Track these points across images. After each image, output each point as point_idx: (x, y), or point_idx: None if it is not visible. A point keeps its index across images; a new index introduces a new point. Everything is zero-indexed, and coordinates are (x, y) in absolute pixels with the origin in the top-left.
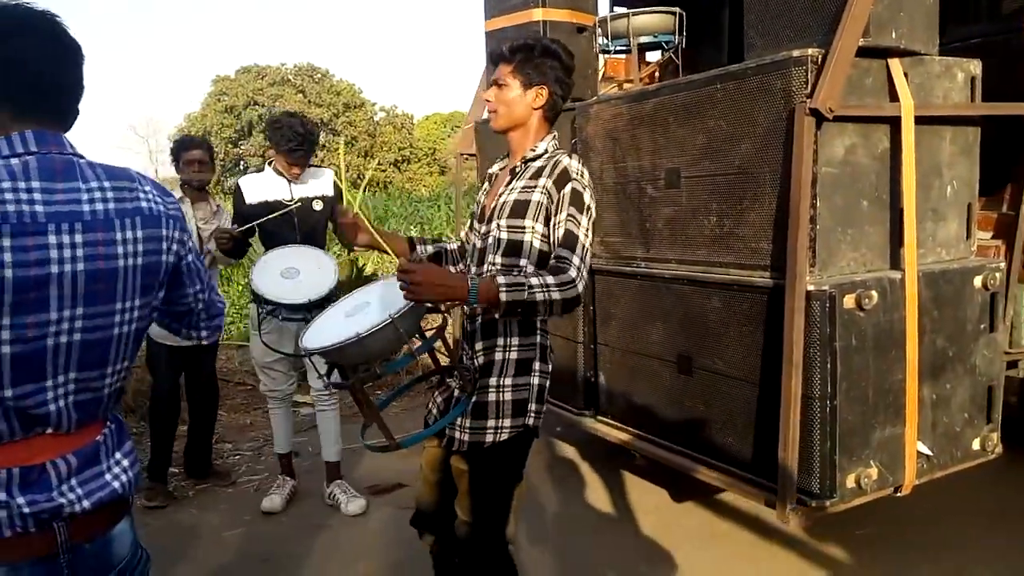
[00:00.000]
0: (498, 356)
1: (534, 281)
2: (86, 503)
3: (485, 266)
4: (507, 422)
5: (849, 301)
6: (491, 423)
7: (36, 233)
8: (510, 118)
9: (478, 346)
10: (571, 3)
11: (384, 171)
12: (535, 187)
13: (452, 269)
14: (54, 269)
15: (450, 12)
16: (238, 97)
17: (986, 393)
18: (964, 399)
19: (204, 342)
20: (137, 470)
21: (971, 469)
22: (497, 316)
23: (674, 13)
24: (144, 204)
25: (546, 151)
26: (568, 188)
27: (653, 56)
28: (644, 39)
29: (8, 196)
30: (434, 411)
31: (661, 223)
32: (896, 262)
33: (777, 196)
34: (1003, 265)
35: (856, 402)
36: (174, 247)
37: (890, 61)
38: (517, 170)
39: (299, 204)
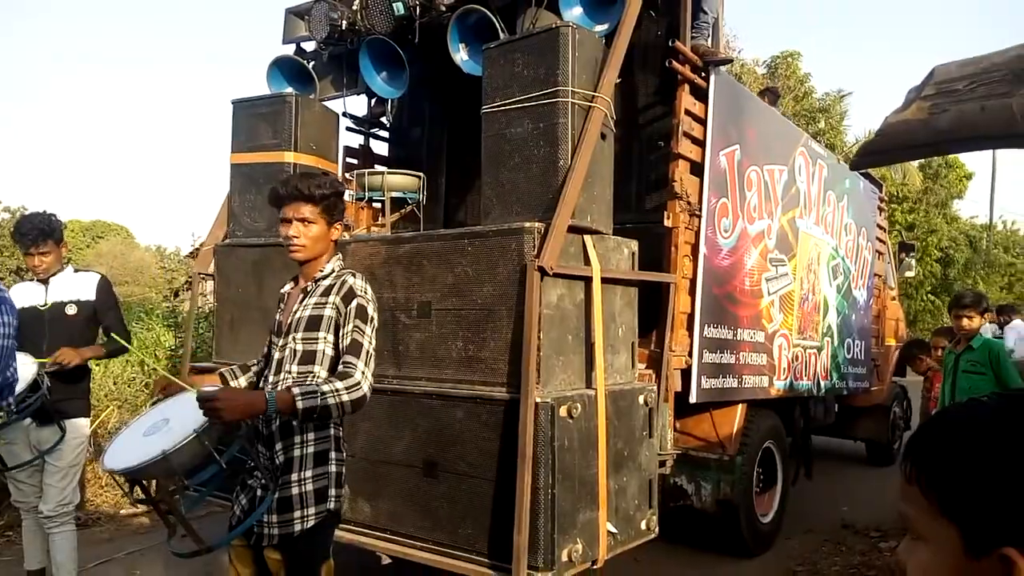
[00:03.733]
0: (296, 452)
1: (325, 388)
2: None
3: (282, 374)
4: (311, 510)
5: (563, 411)
6: (297, 513)
7: None
8: (313, 251)
9: (278, 446)
10: (317, 151)
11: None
12: (326, 303)
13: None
14: None
15: (97, 113)
16: None
17: (648, 485)
18: (635, 489)
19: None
20: None
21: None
22: (294, 422)
23: (419, 176)
24: (5, 293)
25: (332, 270)
26: (354, 303)
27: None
28: (395, 194)
29: None
30: (237, 511)
31: (413, 346)
32: (590, 382)
33: (511, 328)
34: (655, 387)
35: (568, 491)
36: (11, 331)
37: (585, 237)
38: (308, 289)
39: (49, 308)
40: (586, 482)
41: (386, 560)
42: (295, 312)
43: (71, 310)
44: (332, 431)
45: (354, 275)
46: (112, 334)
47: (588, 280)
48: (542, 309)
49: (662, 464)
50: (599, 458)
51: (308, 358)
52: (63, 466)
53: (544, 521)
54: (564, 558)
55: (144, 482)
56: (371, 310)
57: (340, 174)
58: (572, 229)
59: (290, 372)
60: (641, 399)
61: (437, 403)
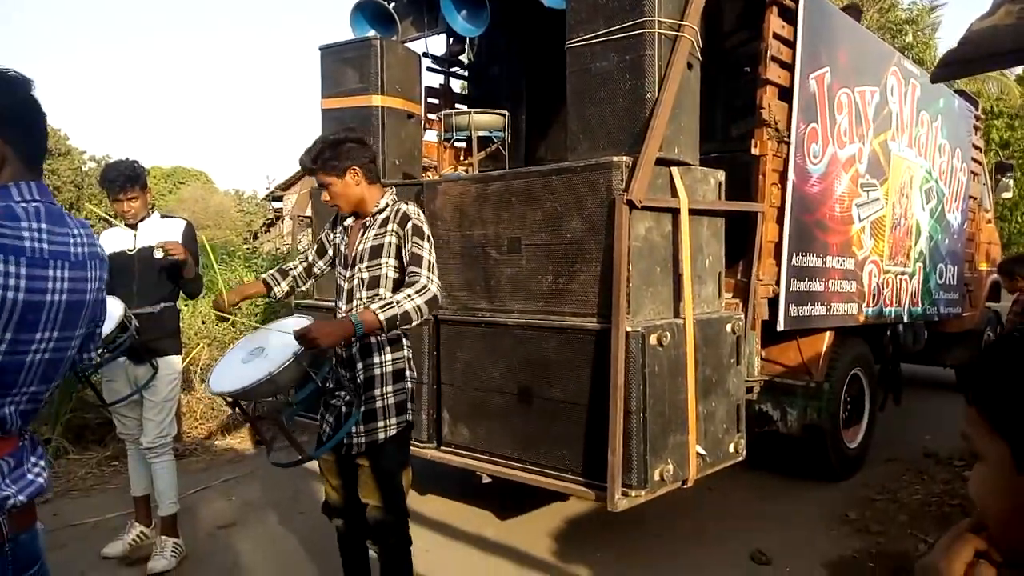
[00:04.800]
0: (376, 371)
1: (399, 297)
2: (21, 497)
3: (354, 302)
4: (393, 420)
5: (653, 339)
6: (381, 423)
7: (42, 266)
8: (348, 202)
9: (359, 366)
10: (402, 93)
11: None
12: (385, 232)
13: (303, 288)
14: (48, 298)
15: (172, 62)
16: None
17: (735, 410)
18: (723, 414)
19: (92, 362)
20: (48, 473)
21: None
22: (384, 334)
23: (504, 114)
24: (99, 249)
25: (387, 204)
26: (410, 225)
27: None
28: (481, 133)
29: (26, 234)
30: (326, 428)
31: (504, 280)
32: (678, 312)
33: (601, 261)
34: (742, 317)
35: (659, 415)
36: (103, 284)
37: (672, 169)
38: (368, 223)
39: (137, 252)
40: (676, 407)
41: (486, 479)
42: (358, 245)
43: (159, 254)
44: (405, 352)
45: (407, 203)
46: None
47: (676, 212)
48: (631, 242)
49: (749, 390)
50: (688, 384)
51: (374, 283)
52: (159, 400)
53: (636, 443)
54: (656, 477)
55: (243, 403)
56: (426, 229)
57: (423, 115)
58: (659, 162)
59: (360, 299)
60: (728, 327)
61: (530, 334)
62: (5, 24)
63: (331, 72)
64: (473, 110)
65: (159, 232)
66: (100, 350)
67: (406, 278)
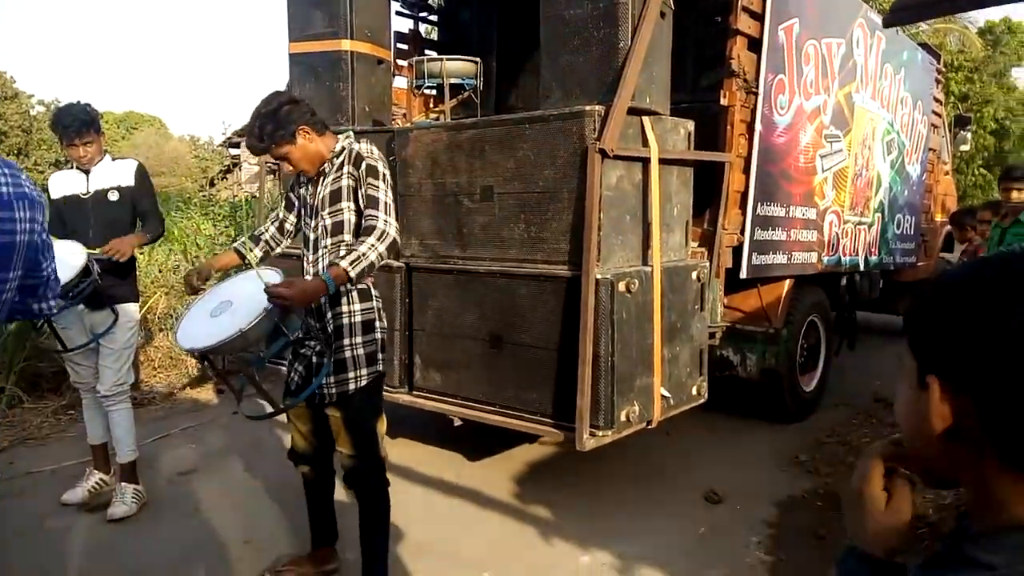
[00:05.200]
0: (345, 320)
1: (363, 248)
2: None
3: (320, 251)
4: (364, 371)
5: (622, 286)
6: (351, 374)
7: None
8: (311, 162)
9: (328, 315)
10: (372, 38)
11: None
12: (342, 175)
13: (280, 249)
14: None
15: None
16: None
17: (699, 354)
18: (687, 358)
19: (52, 312)
20: None
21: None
22: (352, 286)
23: (476, 62)
24: (27, 190)
25: (342, 148)
26: (363, 165)
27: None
28: (453, 80)
29: None
30: (295, 377)
31: (477, 228)
32: (646, 260)
33: (572, 210)
34: (707, 264)
35: (626, 359)
36: (38, 226)
37: (644, 118)
38: (326, 170)
39: (91, 195)
40: (642, 351)
41: (458, 422)
42: (319, 193)
43: (113, 196)
44: (375, 303)
45: (359, 142)
46: (146, 219)
47: (646, 161)
48: (602, 190)
49: (712, 336)
50: (654, 329)
51: (337, 229)
52: (117, 348)
53: (604, 386)
54: (623, 418)
55: (212, 357)
56: (381, 167)
57: (392, 60)
58: (631, 111)
59: (325, 246)
60: (694, 275)
61: (502, 281)
62: None
63: (298, 14)
64: (445, 57)
65: (112, 174)
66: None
67: (363, 221)
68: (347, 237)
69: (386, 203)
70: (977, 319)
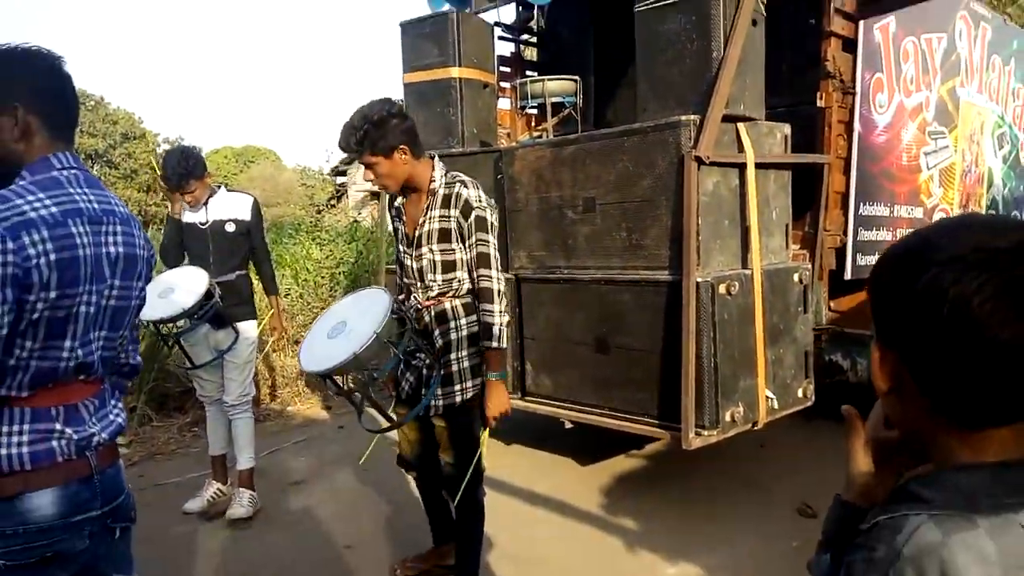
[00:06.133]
0: (452, 336)
1: (494, 320)
2: (105, 435)
3: (426, 282)
4: (469, 383)
5: (722, 289)
6: (458, 386)
7: (98, 223)
8: (397, 181)
9: (436, 332)
10: (478, 64)
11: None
12: (448, 217)
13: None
14: (109, 250)
15: (241, 43)
16: None
17: (803, 356)
18: (791, 360)
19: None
20: (125, 415)
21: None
22: (448, 311)
23: (575, 80)
24: (129, 213)
25: (442, 181)
26: (473, 216)
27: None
28: (555, 99)
29: (78, 198)
30: (406, 387)
31: (580, 239)
32: (746, 263)
33: (671, 217)
34: (810, 267)
35: (729, 360)
36: (148, 244)
37: (738, 125)
38: (428, 204)
39: (209, 225)
40: (745, 353)
41: (568, 425)
42: (422, 224)
43: (230, 227)
44: (478, 316)
45: (466, 185)
46: (258, 255)
47: (742, 167)
48: (699, 196)
49: (817, 338)
50: (756, 331)
51: (449, 267)
52: (240, 362)
53: (708, 387)
54: (727, 419)
55: (335, 378)
56: (490, 217)
57: (496, 83)
58: (726, 118)
59: (435, 280)
60: (795, 277)
61: (605, 288)
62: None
63: (411, 47)
64: (547, 77)
65: (228, 207)
66: (184, 320)
67: (477, 280)
68: (460, 274)
69: (495, 257)
70: (895, 284)
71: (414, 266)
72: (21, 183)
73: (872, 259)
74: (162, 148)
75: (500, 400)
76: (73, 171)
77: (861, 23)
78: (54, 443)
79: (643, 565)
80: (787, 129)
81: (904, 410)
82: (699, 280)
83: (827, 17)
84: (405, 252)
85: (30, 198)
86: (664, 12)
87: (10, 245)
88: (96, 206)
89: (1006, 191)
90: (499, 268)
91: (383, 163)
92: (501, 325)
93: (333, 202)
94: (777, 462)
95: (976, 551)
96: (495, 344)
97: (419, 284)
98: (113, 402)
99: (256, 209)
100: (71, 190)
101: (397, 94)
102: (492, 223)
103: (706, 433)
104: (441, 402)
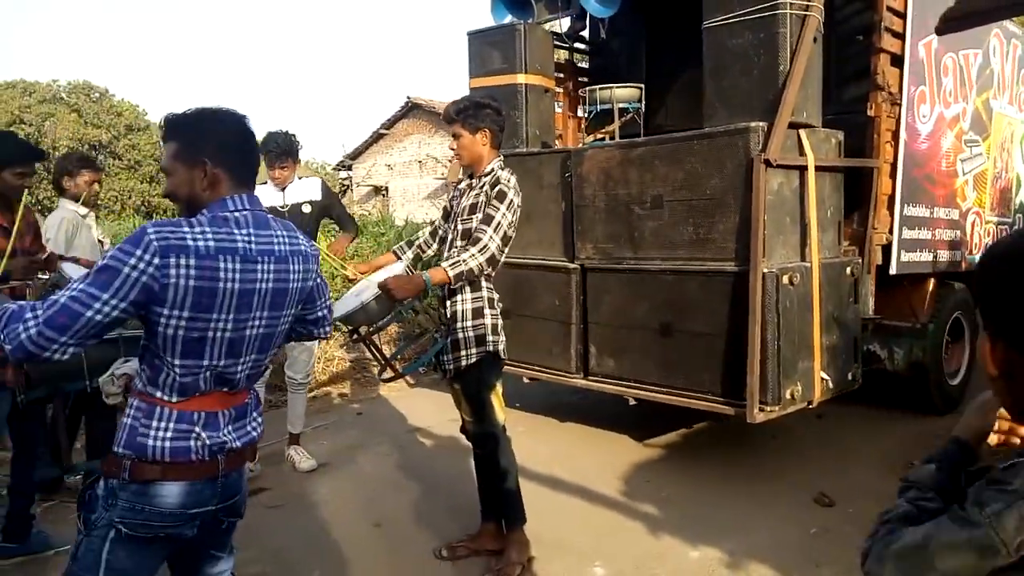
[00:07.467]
0: (459, 307)
1: (464, 256)
2: (238, 443)
3: (454, 250)
4: (473, 350)
5: (785, 279)
6: (463, 352)
7: (252, 262)
8: (470, 156)
9: (448, 303)
10: (541, 71)
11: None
12: (481, 192)
13: (430, 252)
14: (259, 286)
15: (247, 35)
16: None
17: (853, 343)
18: (843, 346)
19: (327, 336)
20: (263, 428)
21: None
22: (452, 286)
23: (640, 88)
24: (302, 247)
25: (493, 169)
26: (497, 188)
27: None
28: (621, 105)
29: (238, 237)
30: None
31: (647, 232)
32: (804, 257)
33: (738, 213)
34: (859, 261)
35: (789, 343)
36: (311, 274)
37: (800, 131)
38: (474, 184)
39: (288, 208)
40: (804, 337)
41: (632, 402)
42: (462, 203)
43: (307, 208)
44: (484, 293)
45: (504, 168)
46: (343, 222)
47: (803, 169)
48: (766, 195)
49: (865, 327)
50: (814, 318)
51: (466, 234)
52: (308, 344)
53: (771, 367)
54: (787, 396)
55: (360, 329)
56: (510, 194)
57: (554, 89)
58: (790, 125)
59: (456, 247)
60: (847, 270)
61: (671, 277)
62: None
63: (477, 54)
64: (615, 85)
65: (302, 191)
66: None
67: (474, 231)
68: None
69: (498, 223)
70: (1007, 278)
71: (448, 237)
72: (199, 216)
73: (914, 256)
74: None
75: (402, 282)
76: (244, 212)
77: (907, 40)
78: (191, 443)
79: (665, 547)
80: (841, 136)
81: (1016, 391)
82: (765, 271)
83: (878, 35)
84: (449, 226)
85: (197, 229)
86: (733, 28)
87: (156, 260)
88: (253, 246)
89: None
90: (499, 235)
91: (466, 136)
92: (465, 261)
93: (339, 195)
94: (792, 454)
95: None
96: (448, 268)
97: (447, 253)
98: (254, 415)
99: (325, 188)
100: (235, 230)
101: (408, 90)
102: (511, 200)
103: (768, 409)
104: (451, 365)
